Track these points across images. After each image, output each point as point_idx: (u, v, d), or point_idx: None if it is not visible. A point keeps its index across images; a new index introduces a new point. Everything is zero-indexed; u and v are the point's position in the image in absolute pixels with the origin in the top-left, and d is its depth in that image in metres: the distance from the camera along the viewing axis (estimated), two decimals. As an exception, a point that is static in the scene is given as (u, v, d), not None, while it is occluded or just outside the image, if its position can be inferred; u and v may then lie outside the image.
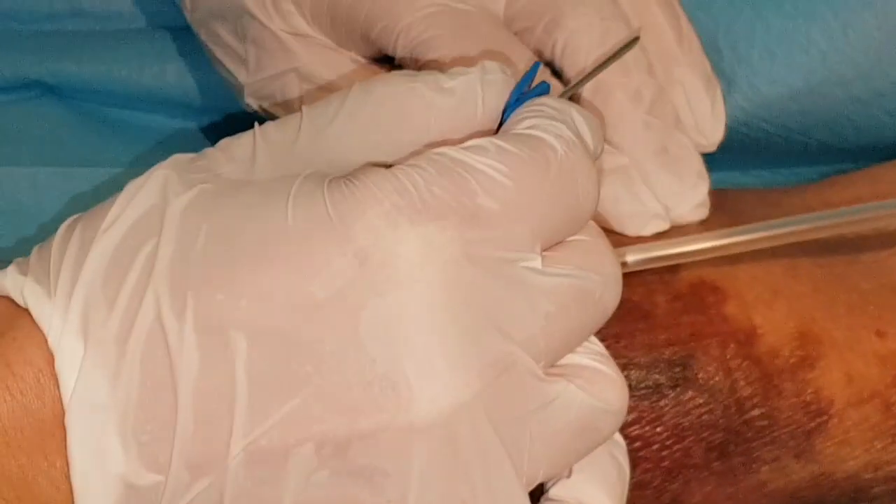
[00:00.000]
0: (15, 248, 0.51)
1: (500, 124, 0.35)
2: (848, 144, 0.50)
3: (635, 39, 0.42)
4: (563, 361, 0.34)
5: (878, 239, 0.43)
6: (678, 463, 0.40)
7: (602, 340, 0.35)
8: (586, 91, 0.43)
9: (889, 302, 0.42)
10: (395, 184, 0.31)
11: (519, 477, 0.32)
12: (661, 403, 0.39)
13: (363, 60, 0.47)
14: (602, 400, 0.33)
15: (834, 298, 0.42)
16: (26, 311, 0.32)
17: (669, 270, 0.41)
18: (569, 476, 0.35)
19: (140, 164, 0.53)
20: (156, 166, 0.34)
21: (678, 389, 0.40)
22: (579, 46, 0.43)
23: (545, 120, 0.34)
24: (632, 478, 0.39)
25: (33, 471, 0.31)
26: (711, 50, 0.48)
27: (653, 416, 0.39)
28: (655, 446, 0.39)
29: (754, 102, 0.48)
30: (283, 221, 0.31)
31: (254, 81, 0.48)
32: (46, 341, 0.31)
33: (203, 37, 0.50)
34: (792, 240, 0.40)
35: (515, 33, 0.44)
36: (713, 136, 0.45)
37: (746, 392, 0.40)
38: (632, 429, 0.39)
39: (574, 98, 0.42)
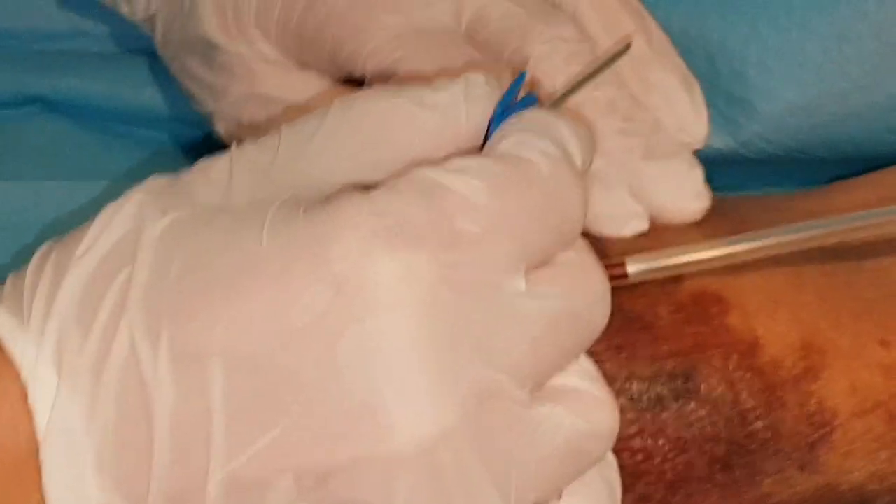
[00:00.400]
0: (13, 264, 0.51)
1: (487, 137, 0.34)
2: (848, 161, 0.50)
3: (627, 47, 0.42)
4: (550, 383, 0.33)
5: (882, 245, 0.43)
6: (681, 476, 0.39)
7: (604, 352, 0.35)
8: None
9: (893, 311, 0.42)
10: (372, 208, 0.31)
11: None
12: (664, 416, 0.39)
13: (329, 83, 0.47)
14: (591, 422, 0.33)
15: (838, 307, 0.41)
16: None
17: (672, 280, 0.40)
18: (559, 499, 0.34)
19: (138, 178, 0.53)
20: (131, 190, 0.33)
21: (681, 402, 0.39)
22: (546, 73, 0.43)
23: (530, 136, 0.33)
24: (634, 491, 0.38)
25: None
26: (709, 69, 0.47)
27: (655, 428, 0.39)
28: (658, 459, 0.39)
29: (752, 119, 0.48)
30: (258, 248, 0.31)
31: (222, 107, 0.48)
32: (20, 373, 0.31)
33: (174, 71, 0.51)
34: (796, 248, 0.39)
35: None
36: (697, 132, 0.45)
37: (749, 404, 0.39)
38: (634, 441, 0.39)
39: None
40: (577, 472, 0.33)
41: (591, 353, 0.34)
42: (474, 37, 0.44)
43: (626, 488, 0.39)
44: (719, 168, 0.49)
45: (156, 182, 0.34)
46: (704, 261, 0.39)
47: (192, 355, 0.30)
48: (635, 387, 0.39)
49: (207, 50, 0.48)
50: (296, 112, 0.47)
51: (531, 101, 0.35)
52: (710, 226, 0.43)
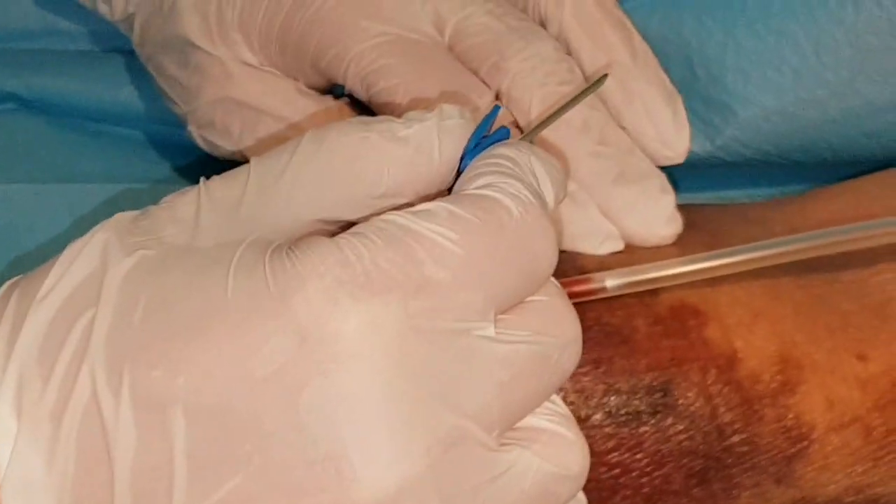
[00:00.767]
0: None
1: (460, 170, 0.34)
2: (826, 165, 0.50)
3: (603, 77, 0.42)
4: (521, 424, 0.33)
5: (859, 257, 0.43)
6: (658, 490, 0.39)
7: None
8: None
9: (870, 324, 0.42)
10: (339, 256, 0.30)
11: None
12: (641, 430, 0.39)
13: (308, 90, 0.47)
14: (559, 465, 0.33)
15: (815, 320, 0.41)
16: None
17: (649, 293, 0.40)
18: None
19: (115, 180, 0.53)
20: (97, 227, 0.33)
21: (658, 416, 0.39)
22: (523, 89, 0.42)
23: (501, 178, 0.33)
24: (612, 505, 0.39)
25: None
26: (687, 73, 0.47)
27: (633, 442, 0.39)
28: (635, 473, 0.39)
29: (730, 124, 0.48)
30: (222, 294, 0.30)
31: (195, 108, 0.48)
32: None
33: (151, 70, 0.50)
34: (773, 262, 0.40)
35: None
36: (678, 146, 0.45)
37: (727, 418, 0.40)
38: (611, 455, 0.39)
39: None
40: None
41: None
42: (454, 48, 0.44)
43: (603, 503, 0.39)
44: (697, 171, 0.49)
45: (122, 218, 0.33)
46: (682, 275, 0.39)
47: (154, 403, 0.30)
48: (613, 401, 0.39)
49: (184, 49, 0.47)
50: (269, 117, 0.46)
51: (504, 134, 0.35)
52: (688, 237, 0.43)
